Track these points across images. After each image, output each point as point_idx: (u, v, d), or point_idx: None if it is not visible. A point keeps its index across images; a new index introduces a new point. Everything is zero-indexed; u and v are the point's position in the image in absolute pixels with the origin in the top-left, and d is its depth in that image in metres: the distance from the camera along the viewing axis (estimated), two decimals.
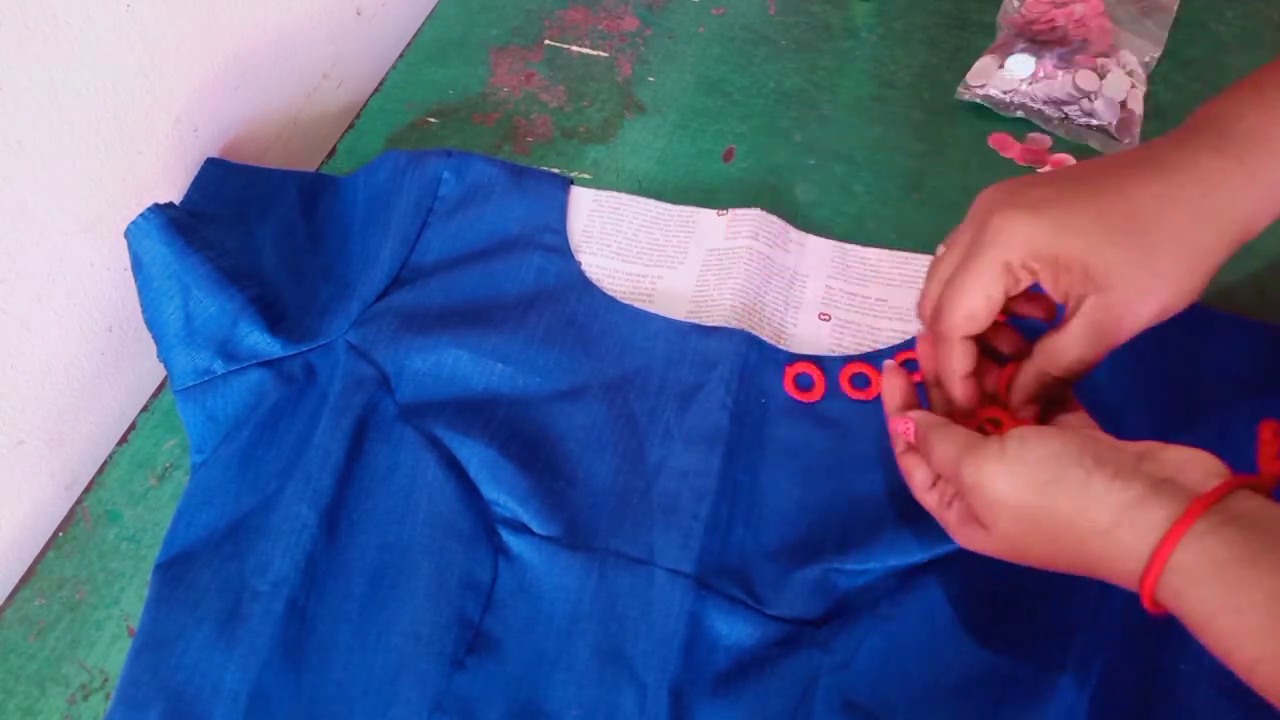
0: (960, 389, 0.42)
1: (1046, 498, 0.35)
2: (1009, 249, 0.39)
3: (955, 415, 0.43)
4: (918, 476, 0.42)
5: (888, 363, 0.46)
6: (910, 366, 0.52)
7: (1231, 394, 0.49)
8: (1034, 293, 0.42)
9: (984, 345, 0.43)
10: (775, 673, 0.43)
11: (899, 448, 0.43)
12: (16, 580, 0.51)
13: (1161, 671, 0.42)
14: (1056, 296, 0.39)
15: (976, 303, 0.40)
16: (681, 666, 0.44)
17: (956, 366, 0.42)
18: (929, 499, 0.41)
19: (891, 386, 0.45)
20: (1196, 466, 0.34)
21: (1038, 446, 0.36)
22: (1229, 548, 0.31)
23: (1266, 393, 0.48)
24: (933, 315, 0.42)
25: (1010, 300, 0.41)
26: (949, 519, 0.40)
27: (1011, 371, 0.43)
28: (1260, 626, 0.30)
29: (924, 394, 0.46)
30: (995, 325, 0.42)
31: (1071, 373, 0.40)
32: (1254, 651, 0.30)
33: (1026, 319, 0.44)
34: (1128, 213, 0.38)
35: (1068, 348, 0.39)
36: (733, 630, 0.45)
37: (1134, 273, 0.37)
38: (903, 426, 0.42)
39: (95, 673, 0.48)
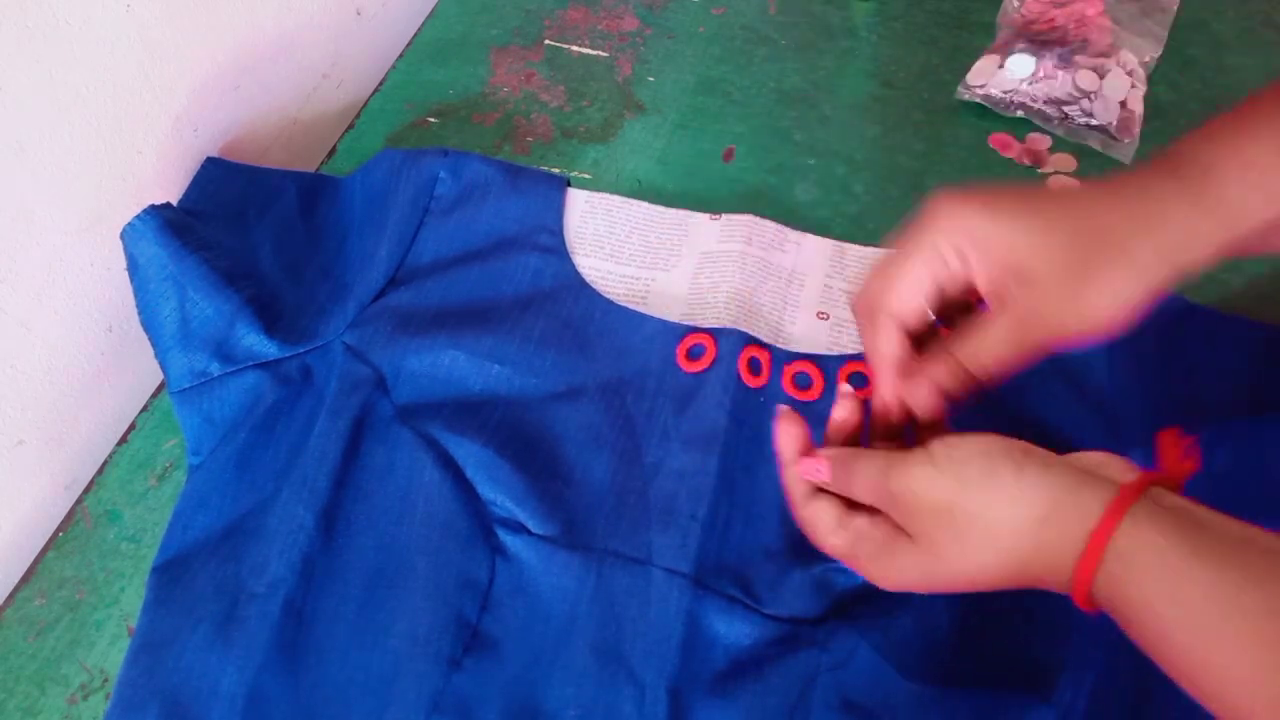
0: (887, 379, 0.40)
1: (981, 490, 0.34)
2: (943, 230, 0.38)
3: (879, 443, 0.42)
4: (824, 519, 0.39)
5: (783, 408, 0.43)
6: None
7: (1230, 393, 0.49)
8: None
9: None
10: (773, 672, 0.43)
11: (801, 493, 0.41)
12: (16, 580, 0.51)
13: (1161, 670, 0.42)
14: (986, 288, 0.38)
15: (904, 283, 0.39)
16: (679, 666, 0.44)
17: (884, 348, 0.40)
18: (836, 541, 0.39)
19: (788, 434, 0.42)
20: (1113, 464, 0.35)
21: (965, 445, 0.35)
22: (1167, 536, 0.31)
23: (1265, 392, 0.48)
24: (861, 299, 0.41)
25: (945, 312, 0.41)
26: (861, 554, 0.38)
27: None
28: (1196, 619, 0.30)
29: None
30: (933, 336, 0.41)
31: (988, 372, 0.39)
32: (1186, 641, 0.30)
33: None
34: (1073, 218, 0.37)
35: (988, 344, 0.38)
36: (731, 630, 0.45)
37: (1068, 271, 0.36)
38: (812, 467, 0.40)
39: (95, 673, 0.48)
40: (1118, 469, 0.34)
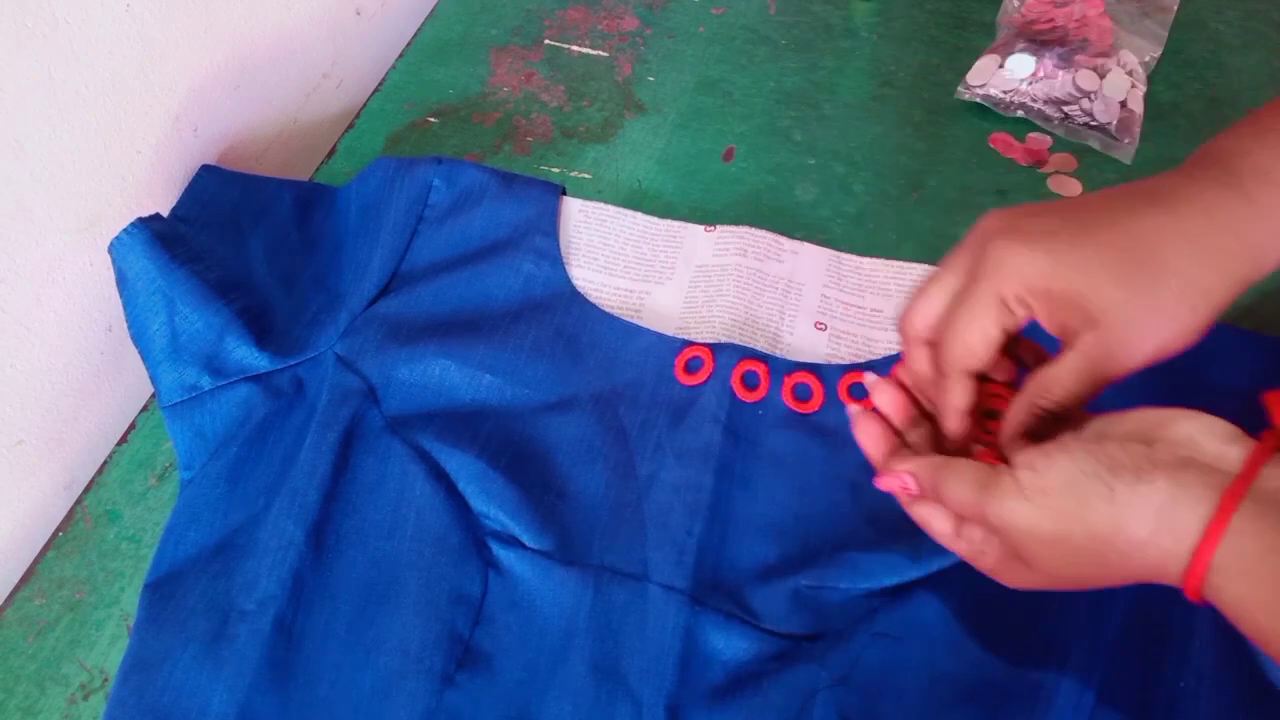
0: (956, 423, 0.41)
1: (1081, 523, 0.34)
2: (1005, 282, 0.38)
3: (944, 447, 0.42)
4: (936, 525, 0.40)
5: (853, 409, 0.43)
6: None
7: (1231, 406, 0.48)
8: (1024, 339, 0.41)
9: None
10: (772, 687, 0.43)
11: (903, 499, 0.41)
12: (16, 580, 0.51)
13: (1162, 684, 0.42)
14: (1053, 331, 0.38)
15: (974, 339, 0.39)
16: (677, 682, 0.43)
17: (956, 403, 0.41)
18: (960, 548, 0.39)
19: (869, 435, 0.42)
20: (1209, 439, 0.33)
21: (1051, 474, 0.35)
22: (1261, 538, 0.31)
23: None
24: (936, 352, 0.42)
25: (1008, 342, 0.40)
26: (986, 565, 0.38)
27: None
28: None
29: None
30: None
31: (1062, 407, 0.38)
32: None
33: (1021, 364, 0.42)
34: (1128, 246, 0.36)
35: (1060, 382, 0.38)
36: (729, 645, 0.44)
37: (1133, 309, 0.36)
38: (899, 484, 0.40)
39: (95, 672, 0.48)
40: (1214, 443, 0.33)
